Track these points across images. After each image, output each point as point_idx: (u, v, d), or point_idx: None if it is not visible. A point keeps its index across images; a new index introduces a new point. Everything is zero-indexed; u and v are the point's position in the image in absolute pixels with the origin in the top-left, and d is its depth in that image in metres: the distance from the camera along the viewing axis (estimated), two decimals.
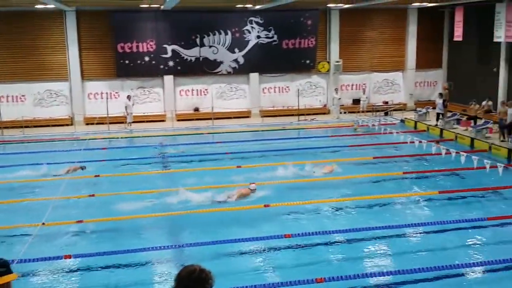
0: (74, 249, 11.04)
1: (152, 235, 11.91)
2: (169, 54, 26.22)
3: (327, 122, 25.68)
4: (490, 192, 14.41)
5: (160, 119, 26.46)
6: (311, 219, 12.64)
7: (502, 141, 19.76)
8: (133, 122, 25.09)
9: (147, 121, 26.00)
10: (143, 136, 22.96)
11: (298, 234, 11.18)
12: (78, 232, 12.14)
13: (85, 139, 22.16)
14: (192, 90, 27.09)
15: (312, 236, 11.22)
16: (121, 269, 10.19)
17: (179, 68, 26.44)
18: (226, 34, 26.55)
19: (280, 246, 10.99)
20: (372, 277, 9.48)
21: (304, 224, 12.16)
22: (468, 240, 11.34)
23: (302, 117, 26.50)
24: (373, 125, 23.44)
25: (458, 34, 26.12)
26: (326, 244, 11.16)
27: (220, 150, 19.69)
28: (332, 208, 13.29)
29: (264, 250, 10.90)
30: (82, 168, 17.10)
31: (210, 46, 26.50)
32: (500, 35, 22.90)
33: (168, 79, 26.57)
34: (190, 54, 26.39)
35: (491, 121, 21.56)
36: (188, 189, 14.64)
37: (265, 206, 13.11)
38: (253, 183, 14.57)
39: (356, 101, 28.00)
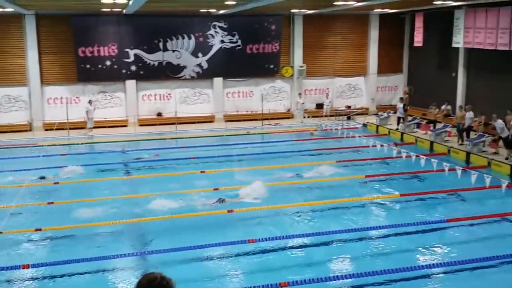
0: (32, 258, 10.74)
1: (113, 242, 11.69)
2: (132, 58, 25.88)
3: (291, 126, 25.82)
4: (449, 194, 14.73)
5: (122, 124, 26.05)
6: (274, 223, 12.64)
7: (460, 144, 20.27)
8: (94, 127, 24.61)
9: (109, 126, 25.55)
10: (104, 142, 22.53)
11: (262, 239, 11.17)
12: (37, 241, 11.81)
13: (44, 145, 21.60)
14: (155, 94, 26.81)
15: (275, 241, 11.24)
16: (82, 278, 9.95)
17: (141, 72, 26.13)
18: (189, 38, 26.40)
19: (244, 251, 10.95)
20: (335, 280, 9.53)
21: (268, 228, 12.15)
22: (428, 242, 11.54)
23: (266, 122, 26.57)
24: (336, 129, 23.69)
25: (418, 40, 26.73)
26: (289, 248, 11.19)
27: (184, 155, 19.51)
28: (296, 212, 13.33)
29: (228, 256, 10.83)
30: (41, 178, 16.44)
31: (174, 51, 26.30)
32: (458, 40, 23.54)
33: (131, 83, 26.22)
34: (153, 58, 26.13)
35: (450, 125, 22.10)
36: (150, 195, 14.47)
37: (228, 211, 13.05)
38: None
39: (320, 106, 28.25)
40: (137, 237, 12.17)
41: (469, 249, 11.03)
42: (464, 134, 20.41)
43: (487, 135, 19.65)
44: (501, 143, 18.91)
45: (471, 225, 12.39)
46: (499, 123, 18.38)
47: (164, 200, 13.98)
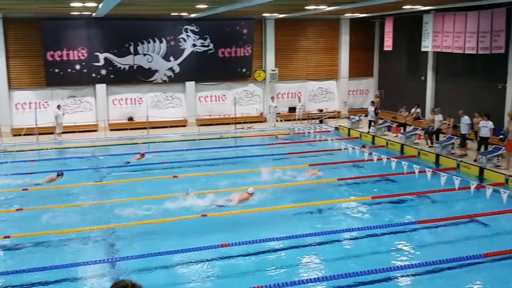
0: (0, 266, 10.44)
1: (83, 249, 11.48)
2: (102, 62, 25.54)
3: (264, 130, 25.84)
4: (419, 196, 14.93)
5: (92, 129, 25.67)
6: (248, 227, 12.58)
7: (430, 147, 20.60)
8: (64, 132, 24.16)
9: (79, 131, 25.15)
10: (74, 147, 22.14)
11: (235, 243, 11.10)
12: (5, 248, 11.49)
13: (12, 151, 21.10)
14: (126, 99, 26.50)
15: (249, 245, 11.17)
16: (51, 286, 9.71)
17: (112, 76, 25.80)
18: (161, 42, 26.21)
19: (217, 256, 10.87)
20: (308, 283, 9.53)
21: (241, 233, 12.08)
22: (400, 244, 11.67)
23: (239, 126, 26.53)
24: (309, 132, 23.81)
25: (388, 44, 27.12)
26: (262, 252, 11.15)
27: (156, 160, 19.32)
28: (269, 216, 13.29)
29: (201, 261, 10.73)
30: (59, 175, 16.57)
31: (145, 54, 26.06)
32: (427, 44, 23.95)
33: (101, 87, 25.86)
34: (124, 62, 25.83)
35: (420, 128, 22.44)
36: (122, 200, 14.28)
37: (202, 216, 12.94)
38: (251, 187, 14.62)
39: (292, 109, 28.37)
40: (107, 243, 11.96)
41: (439, 250, 11.17)
42: (433, 136, 20.74)
43: (455, 137, 20.00)
44: (469, 145, 19.28)
45: (442, 226, 12.57)
46: (465, 119, 18.80)
47: (136, 206, 13.80)
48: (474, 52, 20.90)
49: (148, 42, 26.04)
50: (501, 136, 18.47)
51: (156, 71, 26.38)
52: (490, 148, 18.23)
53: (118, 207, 13.87)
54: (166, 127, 26.36)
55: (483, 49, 20.44)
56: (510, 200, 13.28)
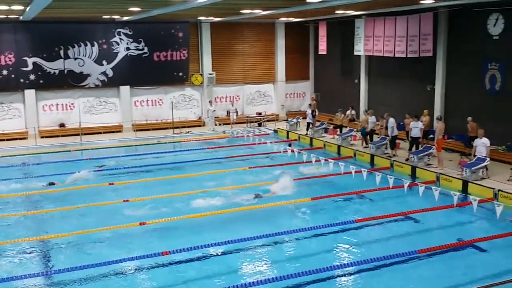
0: None
1: (17, 262, 10.86)
2: (30, 67, 24.50)
3: (203, 134, 25.62)
4: (357, 195, 15.27)
5: (22, 136, 24.52)
6: (190, 233, 12.38)
7: (365, 147, 21.14)
8: None
9: (7, 139, 23.94)
10: (1, 156, 20.99)
11: (176, 250, 10.87)
12: None
13: None
14: (57, 104, 25.50)
15: (191, 251, 10.97)
16: None
17: (41, 81, 24.78)
18: (92, 45, 25.43)
19: (158, 263, 10.60)
20: (251, 286, 9.46)
21: (182, 240, 11.85)
22: (339, 243, 11.87)
23: (177, 130, 26.17)
24: (248, 136, 23.84)
25: (323, 48, 27.67)
26: (204, 258, 10.99)
27: (90, 167, 18.65)
28: (209, 221, 13.12)
29: (141, 269, 10.44)
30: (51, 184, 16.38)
31: (76, 58, 25.20)
32: (360, 48, 24.63)
33: (30, 93, 24.76)
34: (53, 66, 24.87)
35: (355, 129, 23.01)
36: (54, 210, 13.70)
37: (140, 224, 12.60)
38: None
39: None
40: (43, 255, 11.41)
41: (377, 248, 11.44)
42: (368, 137, 21.32)
43: (388, 138, 20.63)
44: (402, 145, 19.95)
45: (378, 224, 12.90)
46: (391, 121, 19.44)
47: (72, 215, 13.28)
48: (403, 55, 21.68)
49: (79, 46, 25.21)
50: (431, 136, 19.25)
51: (88, 75, 25.57)
52: (421, 147, 18.94)
53: (53, 217, 13.29)
54: (100, 133, 25.59)
55: (412, 52, 21.25)
56: (442, 197, 13.81)
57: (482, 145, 16.35)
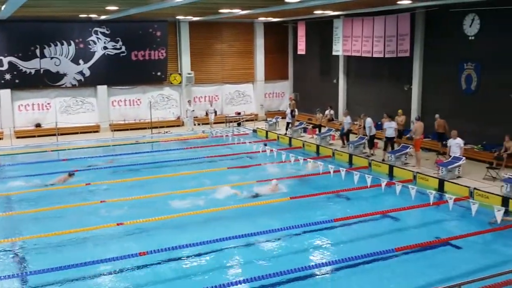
0: None
1: None
2: (5, 66, 24.10)
3: (181, 134, 25.47)
4: (335, 195, 15.34)
5: None
6: (167, 234, 12.29)
7: (342, 147, 21.24)
8: None
9: None
10: None
11: (154, 251, 10.78)
12: None
13: None
14: (33, 104, 25.12)
15: (168, 252, 10.89)
16: None
17: (17, 81, 24.38)
18: (69, 45, 25.10)
19: (135, 264, 10.50)
20: (229, 286, 9.42)
21: (160, 240, 11.75)
22: (318, 242, 11.91)
23: (155, 130, 25.97)
24: (227, 135, 23.78)
25: (302, 48, 27.75)
26: (179, 259, 10.91)
27: (67, 168, 18.38)
28: (187, 221, 13.05)
29: (119, 270, 10.33)
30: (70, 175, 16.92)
31: (52, 58, 24.84)
32: (338, 48, 24.76)
33: (5, 93, 24.35)
34: (29, 66, 24.48)
35: (333, 129, 23.13)
36: (26, 212, 13.48)
37: (118, 224, 12.46)
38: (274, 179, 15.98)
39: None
40: (17, 257, 11.19)
41: (355, 246, 11.52)
42: (345, 137, 21.43)
43: (366, 137, 20.77)
44: (380, 144, 20.10)
45: (356, 223, 12.98)
46: (368, 121, 19.60)
47: (48, 216, 13.08)
48: (381, 55, 21.88)
49: (56, 45, 24.86)
50: (408, 135, 19.44)
51: (64, 74, 25.23)
52: (397, 147, 19.11)
53: (27, 219, 13.05)
54: (77, 133, 25.27)
55: (390, 52, 21.46)
56: (418, 195, 13.94)
57: (456, 145, 16.59)
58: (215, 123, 27.24)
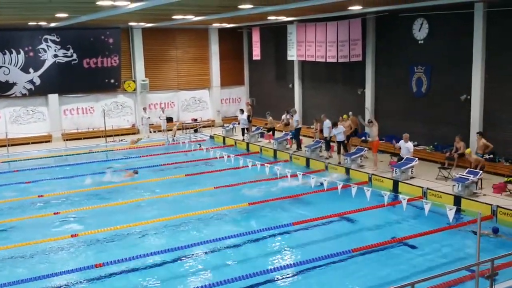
0: None
1: None
2: None
3: (137, 142, 25.03)
4: (293, 199, 15.42)
5: None
6: (124, 244, 12.06)
7: (295, 151, 21.33)
8: None
9: None
10: None
11: (110, 262, 10.55)
12: None
13: None
14: None
15: (126, 262, 10.69)
16: None
17: None
18: (18, 53, 24.34)
19: (91, 277, 10.25)
20: None
21: (116, 251, 11.52)
22: (277, 246, 11.97)
23: (110, 139, 25.48)
24: (184, 142, 23.58)
25: (257, 53, 27.87)
26: (141, 269, 10.72)
27: (18, 180, 17.79)
28: (145, 230, 12.85)
29: (75, 283, 10.05)
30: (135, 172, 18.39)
31: (0, 67, 24.02)
32: (292, 54, 25.02)
33: None
34: None
35: (290, 134, 23.26)
36: None
37: (72, 236, 12.14)
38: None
39: (170, 119, 27.76)
40: None
41: (314, 248, 11.60)
42: (296, 141, 21.60)
43: (322, 141, 21.02)
44: (335, 148, 20.38)
45: (314, 226, 13.11)
46: (327, 122, 19.88)
47: None
48: (334, 60, 22.22)
49: (4, 54, 24.08)
50: (363, 138, 19.82)
51: (14, 84, 24.45)
52: (353, 149, 19.42)
53: None
54: (28, 143, 24.51)
55: (343, 57, 21.83)
56: (374, 197, 14.18)
57: (406, 149, 17.00)
58: (168, 130, 26.88)
